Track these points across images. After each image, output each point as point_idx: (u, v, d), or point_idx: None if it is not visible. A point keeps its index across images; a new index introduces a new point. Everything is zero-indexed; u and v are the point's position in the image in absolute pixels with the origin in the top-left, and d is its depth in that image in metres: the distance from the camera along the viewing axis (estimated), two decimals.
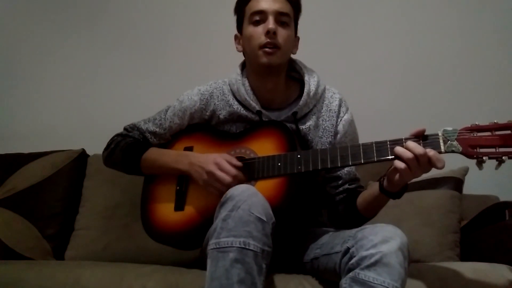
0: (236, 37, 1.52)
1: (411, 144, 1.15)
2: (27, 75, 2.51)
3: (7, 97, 2.50)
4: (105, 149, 1.58)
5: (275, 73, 1.45)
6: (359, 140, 1.49)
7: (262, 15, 1.41)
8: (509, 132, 1.12)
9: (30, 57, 2.52)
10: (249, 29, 1.43)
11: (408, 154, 1.14)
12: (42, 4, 2.55)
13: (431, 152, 1.13)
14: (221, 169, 1.32)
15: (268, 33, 1.39)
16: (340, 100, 1.49)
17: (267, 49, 1.40)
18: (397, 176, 1.19)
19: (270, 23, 1.39)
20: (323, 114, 1.47)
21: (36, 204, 2.01)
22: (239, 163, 1.34)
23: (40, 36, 2.52)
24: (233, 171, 1.31)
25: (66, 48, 2.50)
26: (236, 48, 1.52)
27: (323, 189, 1.48)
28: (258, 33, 1.41)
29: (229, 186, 1.29)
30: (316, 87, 1.47)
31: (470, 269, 1.34)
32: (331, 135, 1.46)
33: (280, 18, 1.42)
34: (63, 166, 2.09)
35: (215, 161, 1.33)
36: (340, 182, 1.45)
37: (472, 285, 1.29)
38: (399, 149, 1.16)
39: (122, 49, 2.46)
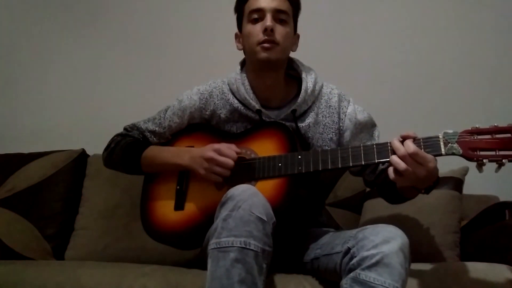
0: (236, 35, 1.53)
1: (408, 141, 1.16)
2: (27, 75, 2.51)
3: (7, 97, 2.50)
4: (105, 149, 1.58)
5: (274, 69, 1.46)
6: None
7: (260, 13, 1.42)
8: (509, 135, 1.13)
9: (30, 57, 2.52)
10: (248, 27, 1.44)
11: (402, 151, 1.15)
12: (42, 4, 2.55)
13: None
14: (221, 153, 1.33)
15: (265, 30, 1.40)
16: (339, 95, 1.49)
17: (265, 45, 1.40)
18: (402, 180, 1.18)
19: (268, 21, 1.40)
20: (322, 110, 1.48)
21: (36, 204, 2.01)
22: (237, 149, 1.36)
23: (40, 36, 2.52)
24: (233, 153, 1.33)
25: (66, 48, 2.50)
26: (237, 46, 1.53)
27: (364, 180, 1.49)
28: (256, 30, 1.42)
29: (231, 167, 1.32)
30: (314, 84, 1.47)
31: (470, 269, 1.34)
32: (333, 132, 1.46)
33: (278, 15, 1.43)
34: (63, 166, 2.08)
35: (213, 147, 1.35)
36: (373, 167, 1.45)
37: (472, 285, 1.30)
38: (395, 143, 1.17)
39: (122, 49, 2.46)
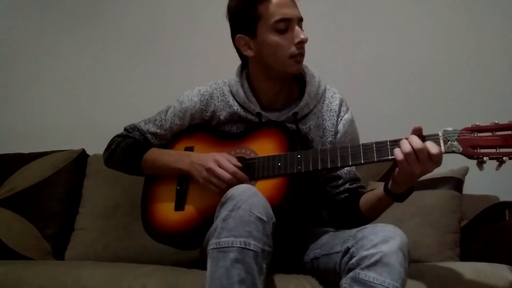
0: (241, 39, 1.43)
1: (412, 137, 1.14)
2: (27, 75, 2.51)
3: (7, 97, 2.50)
4: (106, 149, 1.58)
5: (289, 77, 1.46)
6: (360, 141, 1.49)
7: (287, 23, 1.37)
8: (510, 132, 1.12)
9: (30, 57, 2.52)
10: (275, 38, 1.37)
11: (407, 147, 1.13)
12: (42, 4, 2.55)
13: (428, 143, 1.13)
14: (221, 166, 1.32)
15: (300, 43, 1.36)
16: (341, 100, 1.49)
17: (297, 58, 1.38)
18: (397, 169, 1.18)
19: (302, 34, 1.37)
20: (323, 114, 1.47)
21: (36, 204, 2.01)
22: (238, 164, 1.34)
23: (40, 35, 2.52)
24: (232, 167, 1.32)
25: (66, 48, 2.50)
26: (242, 51, 1.45)
27: (324, 190, 1.48)
28: (287, 43, 1.37)
29: (228, 182, 1.30)
30: (317, 87, 1.47)
31: (470, 269, 1.34)
32: (332, 135, 1.46)
33: (300, 24, 1.40)
34: (63, 166, 2.09)
35: (215, 158, 1.34)
36: (340, 181, 1.44)
37: (472, 285, 1.29)
38: (402, 143, 1.15)
39: (122, 49, 2.46)
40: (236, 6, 1.42)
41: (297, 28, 1.37)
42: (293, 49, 1.37)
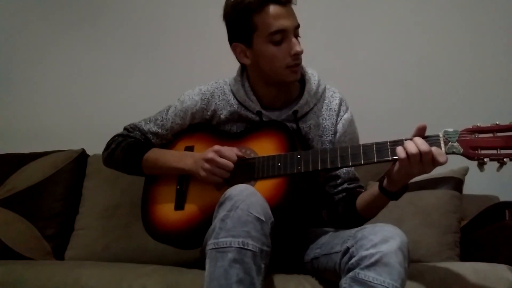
0: (237, 47, 1.42)
1: (418, 140, 1.14)
2: (27, 75, 2.51)
3: (7, 97, 2.50)
4: (105, 149, 1.58)
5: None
6: (359, 141, 1.49)
7: (283, 34, 1.35)
8: (511, 134, 1.12)
9: (30, 57, 2.52)
10: (271, 49, 1.36)
11: (412, 148, 1.13)
12: (42, 4, 2.55)
13: (433, 148, 1.13)
14: (221, 155, 1.33)
15: (295, 54, 1.36)
16: (341, 99, 1.49)
17: (293, 69, 1.38)
18: (396, 168, 1.18)
19: (298, 46, 1.36)
20: (323, 113, 1.47)
21: (36, 204, 2.01)
22: (238, 152, 1.36)
23: (40, 36, 2.52)
24: (233, 155, 1.33)
25: (66, 48, 2.50)
26: (240, 60, 1.45)
27: (323, 189, 1.48)
28: (283, 53, 1.36)
29: (230, 169, 1.31)
30: (317, 86, 1.47)
31: (470, 269, 1.34)
32: (331, 134, 1.46)
33: (297, 32, 1.39)
34: (63, 166, 2.09)
35: (214, 149, 1.35)
36: (338, 181, 1.45)
37: (472, 285, 1.29)
38: (407, 143, 1.15)
39: (122, 49, 2.46)
40: (231, 15, 1.41)
41: (293, 39, 1.36)
42: (289, 60, 1.37)
